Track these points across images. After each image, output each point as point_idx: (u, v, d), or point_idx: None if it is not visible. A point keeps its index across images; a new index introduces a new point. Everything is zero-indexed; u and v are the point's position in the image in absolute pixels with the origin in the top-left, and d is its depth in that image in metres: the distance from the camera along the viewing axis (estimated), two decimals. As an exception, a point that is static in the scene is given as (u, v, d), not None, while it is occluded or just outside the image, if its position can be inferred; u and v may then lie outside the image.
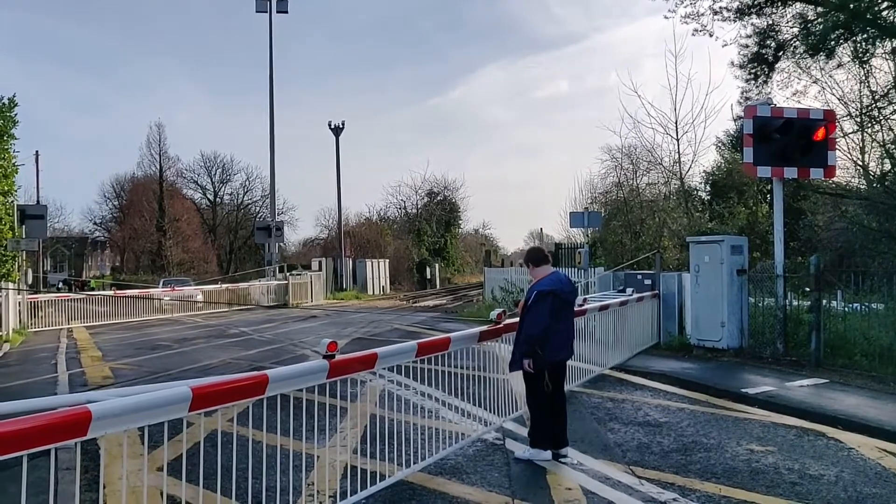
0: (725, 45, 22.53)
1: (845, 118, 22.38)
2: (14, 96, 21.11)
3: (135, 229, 60.96)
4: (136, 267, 59.85)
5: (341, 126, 48.85)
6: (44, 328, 23.38)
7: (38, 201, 47.68)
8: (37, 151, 50.48)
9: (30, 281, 25.99)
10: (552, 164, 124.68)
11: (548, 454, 7.04)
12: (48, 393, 10.47)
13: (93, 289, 41.03)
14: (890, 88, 21.05)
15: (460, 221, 69.86)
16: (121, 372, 13.18)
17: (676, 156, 29.51)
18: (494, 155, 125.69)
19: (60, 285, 50.94)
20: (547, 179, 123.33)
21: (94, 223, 70.64)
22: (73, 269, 71.26)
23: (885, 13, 17.34)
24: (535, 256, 7.61)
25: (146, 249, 60.89)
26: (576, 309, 10.50)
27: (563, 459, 6.98)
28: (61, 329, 23.16)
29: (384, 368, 6.58)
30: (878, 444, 7.42)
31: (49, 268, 63.16)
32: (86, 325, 24.56)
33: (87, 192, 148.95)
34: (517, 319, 8.48)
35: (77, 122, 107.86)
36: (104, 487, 5.09)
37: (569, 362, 9.93)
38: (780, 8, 20.54)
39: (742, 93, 22.23)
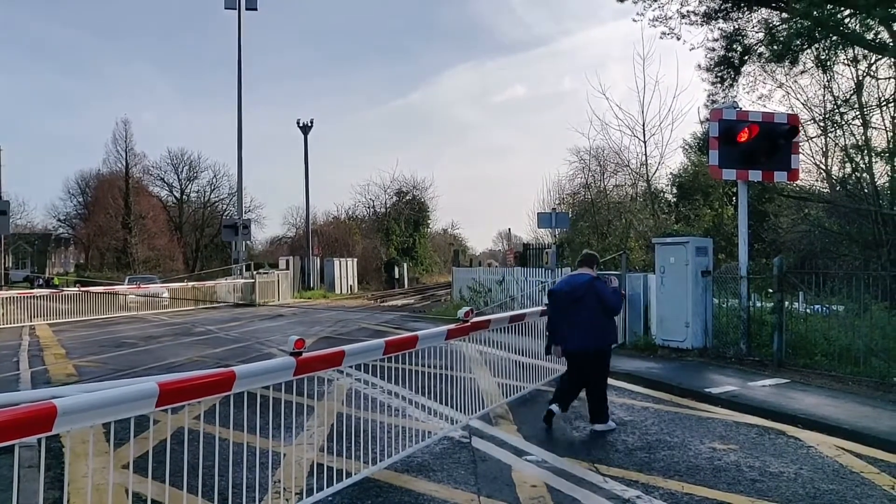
0: (693, 48, 22.98)
1: (809, 122, 22.75)
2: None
3: (100, 226, 60.26)
4: (101, 264, 59.12)
5: (310, 124, 48.74)
6: (5, 325, 22.93)
7: (-1, 197, 46.92)
8: (-2, 146, 49.70)
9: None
10: (521, 166, 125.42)
11: (612, 425, 8.08)
12: (10, 391, 10.30)
13: (56, 286, 40.38)
14: (851, 94, 21.44)
15: (429, 221, 70.05)
16: (85, 369, 13.02)
17: (643, 158, 29.92)
18: (464, 155, 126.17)
19: (41, 281, 50.25)
20: (516, 180, 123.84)
21: (59, 220, 69.94)
22: (35, 266, 70.23)
23: (847, 21, 17.64)
24: (579, 259, 8.79)
25: (111, 247, 60.22)
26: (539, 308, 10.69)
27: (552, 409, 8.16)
28: (23, 326, 22.75)
29: (351, 366, 6.59)
30: (835, 442, 7.57)
31: (10, 264, 62.09)
32: (49, 322, 24.17)
33: (52, 188, 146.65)
34: (487, 318, 8.79)
35: (41, 118, 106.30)
36: (68, 485, 5.04)
37: (533, 360, 10.10)
38: (747, 13, 20.88)
39: (709, 96, 22.54)
